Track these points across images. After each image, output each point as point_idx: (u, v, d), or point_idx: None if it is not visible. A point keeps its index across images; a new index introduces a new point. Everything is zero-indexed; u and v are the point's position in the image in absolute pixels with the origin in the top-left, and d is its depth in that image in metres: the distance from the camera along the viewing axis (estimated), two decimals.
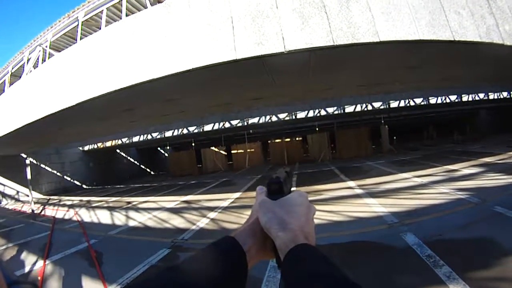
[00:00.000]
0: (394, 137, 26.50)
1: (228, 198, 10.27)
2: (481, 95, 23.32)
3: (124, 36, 6.51)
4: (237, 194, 10.99)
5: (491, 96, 24.12)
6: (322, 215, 6.90)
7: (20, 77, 10.76)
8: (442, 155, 16.48)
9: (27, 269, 5.74)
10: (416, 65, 8.08)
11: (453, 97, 21.74)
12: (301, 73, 7.23)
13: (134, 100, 7.91)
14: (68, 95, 7.32)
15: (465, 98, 22.66)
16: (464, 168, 11.33)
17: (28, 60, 10.54)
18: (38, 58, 9.91)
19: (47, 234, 8.39)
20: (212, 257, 0.55)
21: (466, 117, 33.86)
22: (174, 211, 9.74)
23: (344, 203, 7.99)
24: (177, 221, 8.23)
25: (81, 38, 8.30)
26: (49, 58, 9.18)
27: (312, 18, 5.35)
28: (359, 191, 9.37)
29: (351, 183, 10.92)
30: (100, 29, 8.37)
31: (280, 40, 5.22)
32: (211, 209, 8.80)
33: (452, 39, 5.52)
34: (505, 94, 24.07)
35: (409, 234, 5.11)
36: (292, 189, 0.71)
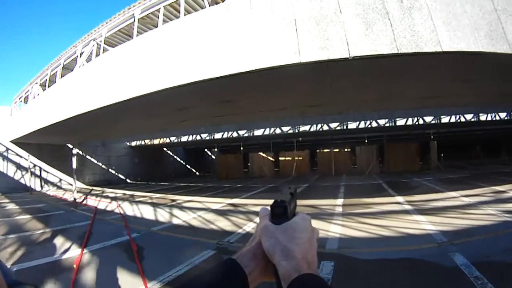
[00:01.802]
0: (442, 154, 25.54)
1: None
2: None
3: (182, 34, 6.63)
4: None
5: None
6: (372, 228, 6.75)
7: (72, 69, 11.21)
8: (490, 176, 15.97)
9: (63, 256, 5.64)
10: (473, 78, 7.76)
11: (502, 115, 20.58)
12: (360, 80, 7.08)
13: (189, 98, 8.01)
14: (124, 89, 7.55)
15: None
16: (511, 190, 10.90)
17: (81, 54, 10.97)
18: (91, 52, 10.27)
19: (87, 223, 8.42)
20: (214, 280, 0.56)
21: None
22: (220, 213, 9.56)
23: (393, 218, 7.76)
24: (223, 223, 8.09)
25: (137, 35, 8.53)
26: (103, 52, 9.52)
27: (376, 24, 5.25)
28: (407, 207, 9.08)
29: (399, 198, 10.61)
30: (155, 27, 8.59)
31: (345, 45, 5.12)
32: (258, 214, 8.45)
33: (510, 52, 5.27)
34: None
35: (458, 254, 4.94)
36: (297, 210, 0.72)
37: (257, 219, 0.62)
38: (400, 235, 6.29)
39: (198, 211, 10.00)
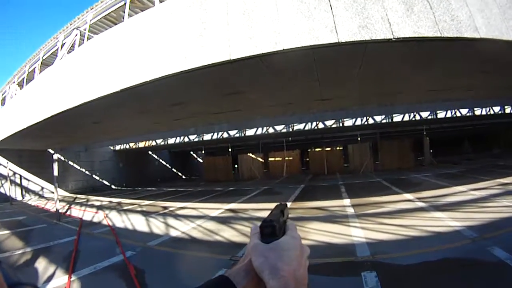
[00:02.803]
0: (431, 150, 25.83)
1: None
2: None
3: (187, 13, 5.77)
4: (287, 204, 9.80)
5: None
6: (395, 229, 6.33)
7: (52, 64, 10.11)
8: (487, 169, 16.13)
9: (46, 286, 4.55)
10: (491, 70, 7.51)
11: (496, 109, 20.87)
12: (389, 68, 6.59)
13: (189, 90, 7.13)
14: (113, 80, 6.62)
15: (507, 109, 21.76)
16: None
17: (63, 45, 9.87)
18: (74, 43, 9.22)
19: (73, 239, 7.31)
20: None
21: (503, 129, 32.56)
22: (221, 220, 8.73)
23: (412, 216, 7.38)
24: (229, 233, 7.25)
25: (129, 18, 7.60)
26: (88, 41, 8.48)
27: (416, 5, 4.85)
28: (421, 204, 8.75)
29: (408, 196, 10.28)
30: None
31: (387, 25, 4.57)
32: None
33: None
34: None
35: (496, 248, 4.70)
36: (290, 221, 0.69)
37: None
38: (428, 234, 5.98)
39: (196, 220, 9.04)
